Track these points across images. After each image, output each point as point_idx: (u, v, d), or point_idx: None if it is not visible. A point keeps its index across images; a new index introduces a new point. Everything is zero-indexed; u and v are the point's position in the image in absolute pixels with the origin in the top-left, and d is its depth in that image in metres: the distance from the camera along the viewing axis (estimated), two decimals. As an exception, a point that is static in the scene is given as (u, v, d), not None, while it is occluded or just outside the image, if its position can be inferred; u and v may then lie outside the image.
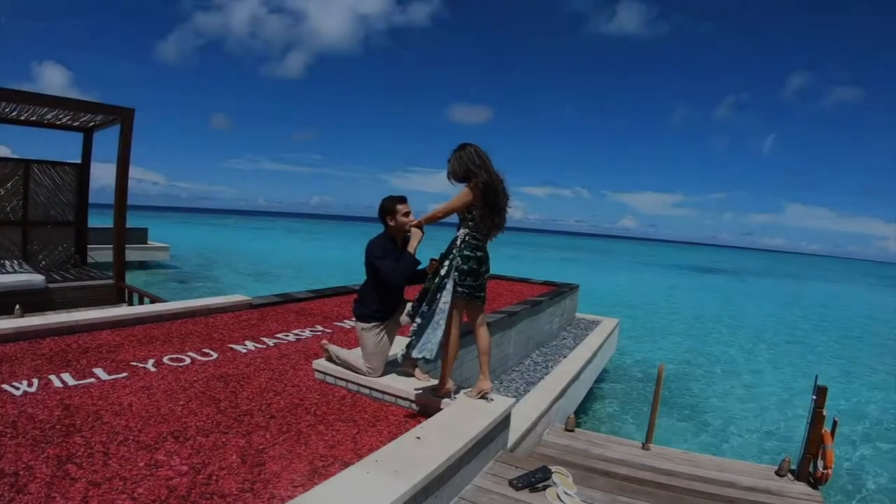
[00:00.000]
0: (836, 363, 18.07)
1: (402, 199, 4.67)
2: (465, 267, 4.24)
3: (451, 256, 4.30)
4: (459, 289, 4.25)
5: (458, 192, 4.23)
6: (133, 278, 11.83)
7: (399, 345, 5.45)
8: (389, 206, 4.64)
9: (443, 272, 4.27)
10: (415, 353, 4.27)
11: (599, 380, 12.02)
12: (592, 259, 70.83)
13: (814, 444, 5.68)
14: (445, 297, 4.24)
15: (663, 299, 32.48)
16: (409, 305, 4.65)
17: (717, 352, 18.24)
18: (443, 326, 4.24)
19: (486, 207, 4.23)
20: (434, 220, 4.42)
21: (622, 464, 5.85)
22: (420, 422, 4.22)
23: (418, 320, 4.29)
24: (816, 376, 6.06)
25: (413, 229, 4.59)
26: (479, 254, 4.30)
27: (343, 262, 41.00)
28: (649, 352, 17.02)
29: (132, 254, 13.58)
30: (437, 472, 3.39)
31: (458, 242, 4.30)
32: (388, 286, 4.62)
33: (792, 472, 5.90)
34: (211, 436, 3.73)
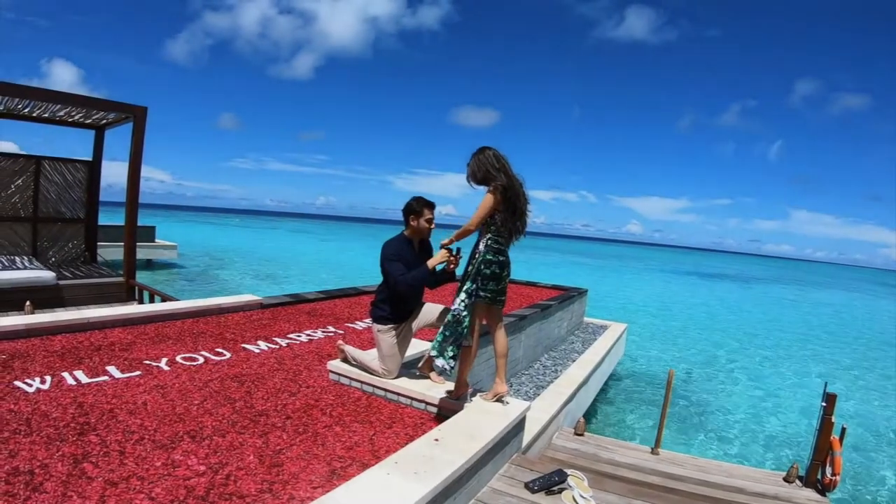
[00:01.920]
0: (845, 370, 17.98)
1: (431, 206, 4.64)
2: (488, 271, 4.22)
3: (473, 261, 4.29)
4: (481, 293, 4.24)
5: (482, 200, 4.21)
6: (141, 276, 11.83)
7: (414, 347, 5.44)
8: (416, 207, 4.60)
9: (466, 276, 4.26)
10: (439, 360, 4.27)
11: (607, 384, 11.99)
12: (599, 263, 70.75)
13: (822, 450, 5.65)
14: (460, 299, 4.22)
15: (670, 305, 32.39)
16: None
17: (725, 358, 18.16)
18: (454, 327, 4.22)
19: (507, 211, 4.22)
20: (467, 235, 4.36)
21: (631, 468, 5.82)
22: (436, 424, 4.22)
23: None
24: (825, 383, 6.04)
25: (441, 251, 4.52)
26: (501, 258, 4.29)
27: (348, 263, 41.05)
28: (656, 357, 16.99)
29: (140, 252, 13.60)
30: (457, 474, 3.38)
31: (481, 247, 4.28)
32: (393, 290, 4.59)
33: (800, 478, 5.87)
34: (227, 436, 3.71)
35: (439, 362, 4.24)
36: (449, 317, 4.24)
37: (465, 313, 4.20)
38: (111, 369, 4.89)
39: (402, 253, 4.58)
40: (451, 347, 4.21)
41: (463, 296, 4.21)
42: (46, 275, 9.76)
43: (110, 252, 15.50)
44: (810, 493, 5.61)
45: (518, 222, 4.33)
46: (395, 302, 4.68)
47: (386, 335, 4.74)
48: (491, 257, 4.24)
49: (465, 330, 4.23)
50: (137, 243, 11.82)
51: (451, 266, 4.59)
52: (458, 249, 4.49)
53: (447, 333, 4.22)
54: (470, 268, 4.29)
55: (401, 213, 4.70)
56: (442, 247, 4.50)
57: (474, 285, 4.23)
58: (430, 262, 4.46)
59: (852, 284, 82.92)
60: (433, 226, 4.67)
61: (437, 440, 3.74)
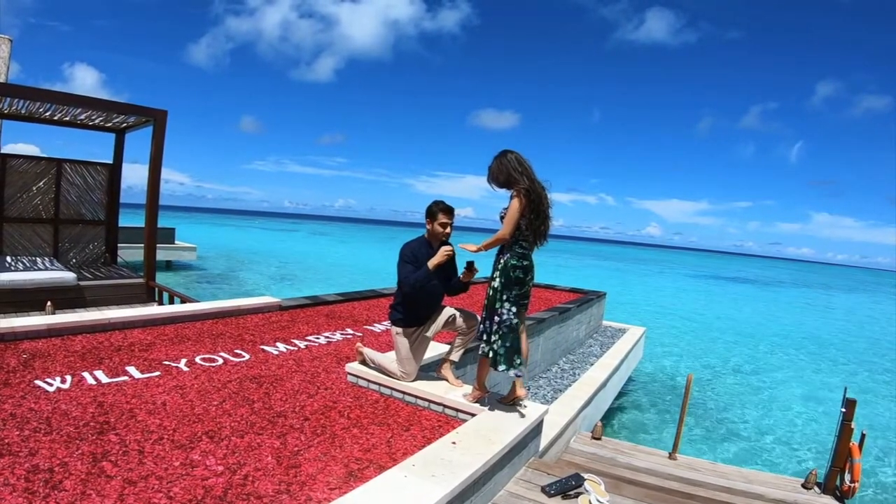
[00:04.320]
0: (866, 375, 17.77)
1: (447, 211, 4.62)
2: (512, 276, 4.21)
3: (499, 266, 4.27)
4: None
5: (510, 207, 4.19)
6: (160, 278, 11.92)
7: (433, 350, 5.44)
8: (433, 210, 4.61)
9: (496, 284, 4.25)
10: (511, 372, 4.28)
11: (626, 388, 11.93)
12: (617, 266, 70.46)
13: (841, 457, 5.59)
14: (506, 308, 4.22)
15: (690, 308, 32.17)
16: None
17: (744, 362, 18.01)
18: (512, 337, 4.22)
19: (531, 214, 4.21)
20: (500, 243, 4.32)
21: (649, 473, 5.78)
22: (453, 427, 4.22)
23: (487, 338, 4.29)
24: (846, 388, 5.98)
25: (443, 248, 4.53)
26: (525, 262, 4.28)
27: (366, 265, 41.14)
28: (675, 361, 16.88)
29: (159, 253, 13.70)
30: (474, 477, 3.38)
31: (506, 253, 4.27)
32: (399, 289, 4.60)
33: (818, 485, 5.82)
34: (246, 436, 3.72)
35: (511, 373, 4.26)
36: (504, 329, 4.22)
37: (515, 320, 4.21)
38: (131, 369, 4.93)
39: (417, 255, 4.56)
40: (517, 356, 4.22)
41: (507, 304, 4.21)
42: (67, 276, 9.86)
43: (131, 253, 15.63)
44: (829, 500, 5.56)
45: (542, 226, 4.32)
46: (411, 304, 4.68)
47: (403, 338, 4.74)
48: (516, 262, 4.22)
49: (519, 336, 4.24)
50: (157, 245, 11.92)
51: (466, 277, 4.59)
52: (472, 262, 4.47)
53: (507, 345, 4.21)
54: (497, 274, 4.28)
55: (422, 216, 4.73)
56: (467, 271, 4.50)
57: (512, 291, 4.23)
58: (431, 262, 4.45)
59: (875, 288, 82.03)
60: (448, 230, 4.63)
61: (454, 443, 3.74)
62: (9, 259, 10.69)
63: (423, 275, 4.43)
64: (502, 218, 4.26)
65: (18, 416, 3.71)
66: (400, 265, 4.54)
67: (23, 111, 10.66)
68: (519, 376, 4.31)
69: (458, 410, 4.49)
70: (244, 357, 5.64)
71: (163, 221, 13.70)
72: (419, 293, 4.53)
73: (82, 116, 11.31)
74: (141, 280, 11.15)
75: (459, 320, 4.73)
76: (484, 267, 4.51)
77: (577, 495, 3.95)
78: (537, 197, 4.21)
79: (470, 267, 4.44)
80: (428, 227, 4.64)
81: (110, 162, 12.68)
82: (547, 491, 3.95)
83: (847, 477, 5.51)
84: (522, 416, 4.43)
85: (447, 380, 4.91)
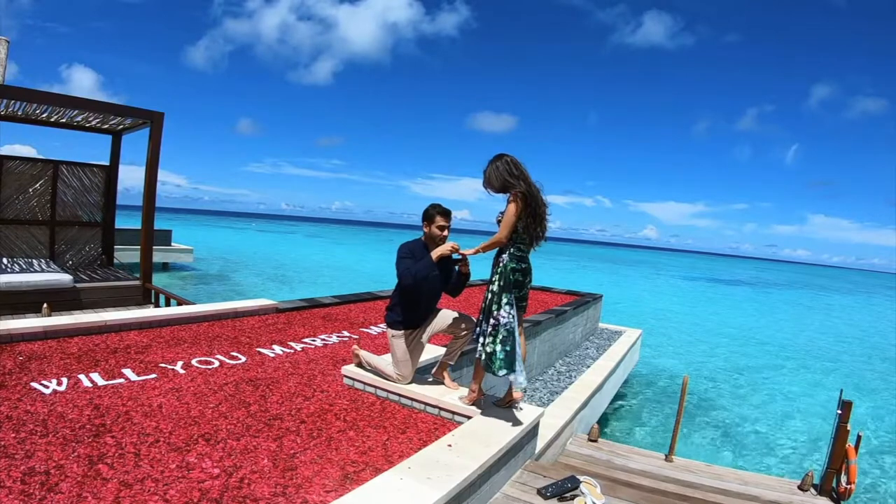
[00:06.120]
0: (862, 377, 17.78)
1: (445, 213, 4.60)
2: (511, 279, 4.22)
3: (498, 269, 4.27)
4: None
5: (506, 211, 4.20)
6: (157, 280, 11.90)
7: (429, 353, 5.43)
8: (431, 213, 4.59)
9: (494, 287, 4.24)
10: (511, 376, 4.18)
11: (622, 390, 11.93)
12: (614, 268, 70.48)
13: (837, 458, 5.58)
14: (505, 311, 4.20)
15: (686, 310, 32.20)
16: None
17: (741, 364, 18.00)
18: (511, 341, 4.19)
19: (528, 217, 4.21)
20: (497, 247, 4.33)
21: (645, 475, 5.78)
22: (449, 429, 4.23)
23: (483, 341, 4.26)
24: (841, 390, 5.97)
25: (447, 243, 4.50)
26: (523, 265, 4.29)
27: (363, 267, 41.09)
28: (672, 363, 16.87)
29: (156, 255, 13.69)
30: (469, 479, 3.38)
31: (504, 256, 4.27)
32: (399, 284, 4.58)
33: (815, 486, 5.81)
34: (242, 439, 3.73)
35: (512, 377, 4.18)
36: (504, 332, 4.19)
37: (514, 324, 4.19)
38: (127, 372, 4.93)
39: (415, 253, 4.55)
40: (518, 361, 4.18)
41: (507, 307, 4.20)
42: (64, 277, 9.85)
43: (127, 255, 15.61)
44: (825, 502, 5.56)
45: (538, 228, 4.32)
46: (409, 303, 4.68)
47: (399, 340, 4.74)
48: (514, 265, 4.23)
49: (517, 340, 4.22)
50: (154, 247, 11.90)
51: (465, 268, 4.61)
52: (464, 259, 4.52)
53: (508, 349, 4.14)
54: (496, 277, 4.28)
55: (418, 218, 4.73)
56: (461, 262, 4.53)
57: (511, 293, 4.22)
58: (434, 253, 4.41)
59: (870, 289, 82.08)
60: (445, 233, 4.61)
61: (450, 446, 3.74)
62: (5, 261, 10.67)
63: (424, 265, 4.40)
64: (499, 221, 4.27)
65: (15, 419, 3.71)
66: (398, 262, 4.52)
67: (20, 113, 10.65)
68: (521, 385, 4.25)
69: (454, 413, 4.50)
70: (240, 359, 5.64)
71: (159, 223, 13.68)
72: (420, 286, 4.51)
73: (79, 118, 11.30)
74: (137, 282, 11.14)
75: (456, 323, 4.73)
76: (481, 270, 4.52)
77: (573, 497, 3.96)
78: (534, 200, 4.22)
79: (462, 260, 4.50)
80: (425, 230, 4.63)
81: (107, 164, 12.66)
82: (543, 493, 3.96)
83: (843, 478, 5.51)
84: (519, 418, 4.43)
85: (443, 382, 4.92)
